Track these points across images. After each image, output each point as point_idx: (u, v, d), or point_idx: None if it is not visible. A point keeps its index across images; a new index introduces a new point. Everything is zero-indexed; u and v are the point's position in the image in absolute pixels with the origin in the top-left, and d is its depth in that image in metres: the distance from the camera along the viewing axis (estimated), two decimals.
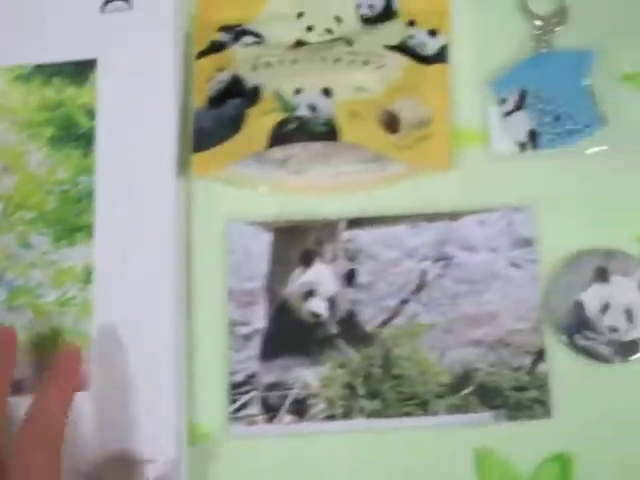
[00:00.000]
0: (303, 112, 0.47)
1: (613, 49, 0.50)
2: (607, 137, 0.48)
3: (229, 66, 0.50)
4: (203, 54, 0.51)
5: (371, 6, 0.51)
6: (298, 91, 0.48)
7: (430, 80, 0.49)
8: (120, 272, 0.47)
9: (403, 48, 0.49)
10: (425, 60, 0.49)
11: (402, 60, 0.49)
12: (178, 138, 0.49)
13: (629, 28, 0.50)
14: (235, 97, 0.49)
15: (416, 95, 0.48)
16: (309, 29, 0.51)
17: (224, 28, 0.52)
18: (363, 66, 0.48)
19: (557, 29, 0.50)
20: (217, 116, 0.49)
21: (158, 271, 0.47)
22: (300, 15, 0.51)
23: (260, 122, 0.48)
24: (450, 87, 0.50)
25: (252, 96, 0.49)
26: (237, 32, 0.51)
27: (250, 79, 0.49)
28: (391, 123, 0.47)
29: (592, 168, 0.48)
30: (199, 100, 0.50)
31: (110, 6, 0.51)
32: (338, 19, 0.51)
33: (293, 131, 0.47)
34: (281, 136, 0.47)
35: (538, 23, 0.50)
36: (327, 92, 0.47)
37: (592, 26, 0.50)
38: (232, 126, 0.48)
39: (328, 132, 0.47)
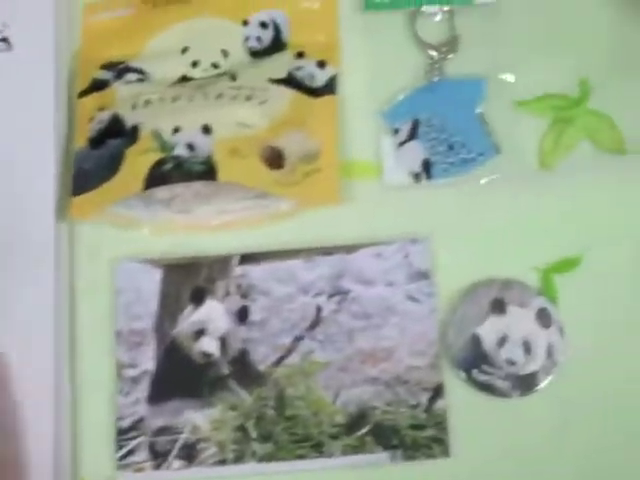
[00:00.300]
0: (181, 151, 0.46)
1: (505, 76, 0.48)
2: (501, 165, 0.47)
3: (110, 105, 0.48)
4: (85, 93, 0.49)
5: (259, 39, 0.50)
6: (177, 130, 0.46)
7: (318, 112, 0.48)
8: None
9: (290, 80, 0.48)
10: (314, 92, 0.48)
11: (288, 93, 0.48)
12: (59, 181, 0.48)
13: (520, 55, 0.49)
14: (115, 137, 0.47)
15: (303, 128, 0.47)
16: (194, 64, 0.50)
17: (107, 65, 0.50)
18: (246, 101, 0.46)
19: (449, 57, 0.49)
20: (97, 157, 0.47)
21: (38, 317, 0.44)
22: (185, 50, 0.50)
23: (137, 163, 0.46)
24: (340, 119, 0.48)
25: (131, 136, 0.47)
26: (120, 69, 0.50)
27: (129, 118, 0.47)
28: (274, 159, 0.46)
29: (487, 197, 0.47)
30: (80, 141, 0.48)
31: None
32: (225, 53, 0.50)
33: (170, 171, 0.45)
34: (158, 177, 0.45)
35: (429, 52, 0.49)
36: (207, 130, 0.46)
37: (483, 54, 0.49)
38: (111, 167, 0.46)
39: (206, 171, 0.45)
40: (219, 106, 0.46)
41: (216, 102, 0.46)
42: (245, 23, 0.51)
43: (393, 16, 0.50)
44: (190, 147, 0.45)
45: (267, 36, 0.50)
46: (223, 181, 0.45)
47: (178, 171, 0.45)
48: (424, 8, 0.50)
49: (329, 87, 0.49)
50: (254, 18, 0.51)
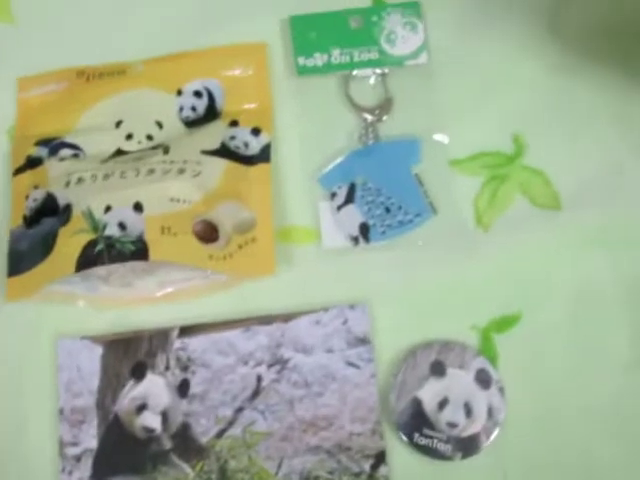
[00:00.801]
0: (112, 231, 0.45)
1: (439, 136, 0.48)
2: (438, 226, 0.47)
3: (44, 183, 0.47)
4: (20, 171, 0.49)
5: (194, 108, 0.50)
6: (108, 208, 0.45)
7: (253, 181, 0.47)
8: None
9: (223, 151, 0.48)
10: (248, 160, 0.48)
11: (222, 164, 0.47)
12: None
13: (453, 114, 0.49)
14: (50, 216, 0.46)
15: (238, 199, 0.47)
16: (129, 137, 0.49)
17: (42, 141, 0.49)
18: (178, 175, 0.46)
19: (383, 119, 0.49)
20: (32, 237, 0.47)
21: None
22: (119, 123, 0.50)
23: (69, 243, 0.45)
24: (277, 184, 0.48)
25: (64, 215, 0.46)
26: (54, 145, 0.49)
27: (62, 197, 0.46)
28: (208, 233, 0.46)
29: (425, 258, 0.47)
30: (15, 220, 0.48)
31: None
32: (159, 124, 0.49)
33: (101, 253, 0.44)
34: (90, 258, 0.44)
35: (363, 115, 0.49)
36: (138, 207, 0.45)
37: (417, 115, 0.49)
38: (45, 247, 0.46)
39: (138, 251, 0.44)
40: (151, 182, 0.46)
41: (148, 178, 0.46)
42: (179, 93, 0.50)
43: (326, 80, 0.50)
44: (121, 226, 0.45)
45: (202, 105, 0.50)
46: (155, 260, 0.44)
47: (110, 252, 0.44)
48: (356, 71, 0.50)
49: (263, 155, 0.48)
50: (188, 87, 0.50)
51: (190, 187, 0.46)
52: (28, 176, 0.48)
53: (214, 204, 0.46)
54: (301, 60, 0.50)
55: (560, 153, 0.49)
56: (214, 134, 0.48)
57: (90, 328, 0.47)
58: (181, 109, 0.50)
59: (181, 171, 0.46)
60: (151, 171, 0.46)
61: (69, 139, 0.49)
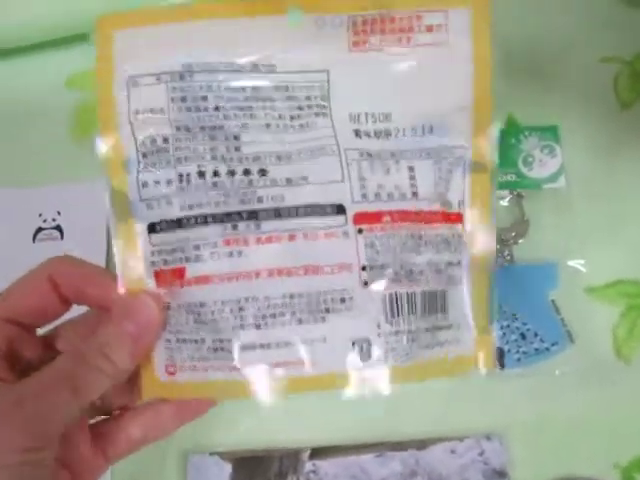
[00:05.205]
0: None
1: (575, 262, 0.44)
2: (575, 355, 0.42)
3: None
4: None
5: None
6: None
7: None
8: None
9: None
10: None
11: None
12: None
13: (590, 240, 0.44)
14: None
15: None
16: None
17: None
18: None
19: (519, 242, 0.44)
20: None
21: None
22: None
23: None
24: None
25: None
26: None
27: None
28: None
29: (562, 389, 0.42)
30: None
31: (41, 235, 0.46)
32: None
33: None
34: None
35: (499, 236, 0.44)
36: None
37: (553, 239, 0.44)
38: None
39: None
40: None
41: None
42: None
43: None
44: None
45: None
46: None
47: None
48: None
49: None
50: None
51: None
52: None
53: None
54: None
55: None
56: None
57: (220, 444, 0.42)
58: None
59: None
60: None
61: None
